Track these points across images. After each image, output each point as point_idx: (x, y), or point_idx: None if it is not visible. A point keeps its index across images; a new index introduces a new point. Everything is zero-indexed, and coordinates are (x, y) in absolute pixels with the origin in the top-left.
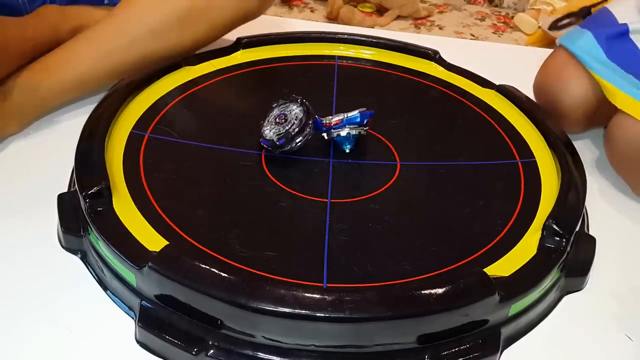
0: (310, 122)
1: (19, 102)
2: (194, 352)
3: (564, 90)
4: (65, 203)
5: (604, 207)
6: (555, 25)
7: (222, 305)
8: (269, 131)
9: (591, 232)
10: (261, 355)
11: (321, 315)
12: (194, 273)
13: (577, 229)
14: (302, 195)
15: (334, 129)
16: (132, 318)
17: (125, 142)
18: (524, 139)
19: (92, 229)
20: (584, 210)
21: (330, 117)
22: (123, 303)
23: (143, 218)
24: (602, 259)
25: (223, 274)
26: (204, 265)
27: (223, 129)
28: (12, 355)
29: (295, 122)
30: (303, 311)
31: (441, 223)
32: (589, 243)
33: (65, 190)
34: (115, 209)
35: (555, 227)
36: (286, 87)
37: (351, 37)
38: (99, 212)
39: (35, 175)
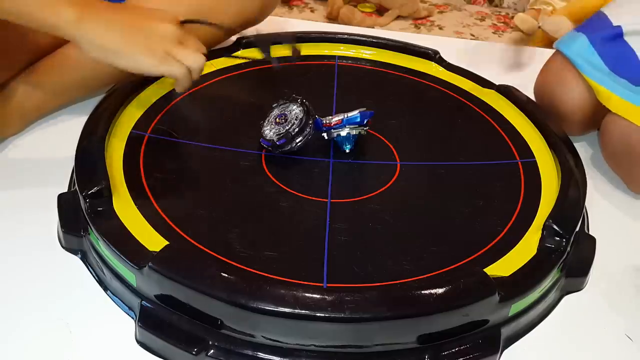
0: (310, 122)
1: (19, 102)
2: (194, 352)
3: (563, 94)
4: (65, 203)
5: (604, 207)
6: None
7: (222, 305)
8: (269, 131)
9: (591, 232)
10: (261, 355)
11: (321, 315)
12: (194, 273)
13: (577, 229)
14: (302, 195)
15: (334, 129)
16: (132, 318)
17: (125, 142)
18: (524, 139)
19: (92, 229)
20: (584, 210)
21: (330, 117)
22: (123, 303)
23: (143, 218)
24: (602, 259)
25: (223, 274)
26: (204, 266)
27: (223, 129)
28: (13, 355)
29: (296, 122)
30: (303, 311)
31: (441, 223)
32: (589, 243)
33: (65, 190)
34: (115, 209)
35: (555, 227)
36: (286, 87)
37: (351, 37)
38: (99, 212)
39: (35, 175)
